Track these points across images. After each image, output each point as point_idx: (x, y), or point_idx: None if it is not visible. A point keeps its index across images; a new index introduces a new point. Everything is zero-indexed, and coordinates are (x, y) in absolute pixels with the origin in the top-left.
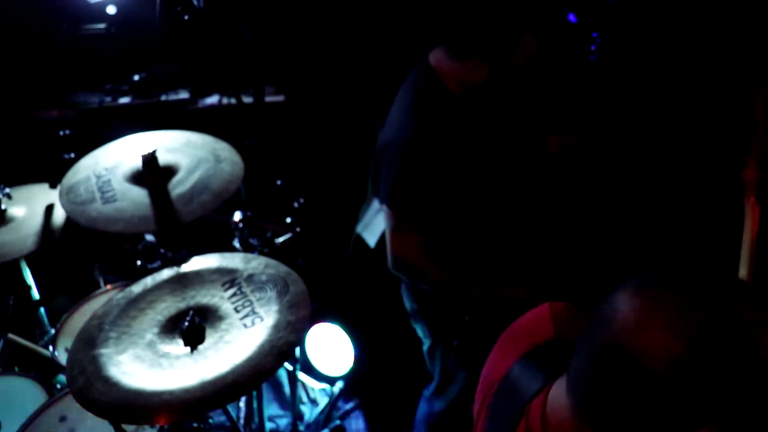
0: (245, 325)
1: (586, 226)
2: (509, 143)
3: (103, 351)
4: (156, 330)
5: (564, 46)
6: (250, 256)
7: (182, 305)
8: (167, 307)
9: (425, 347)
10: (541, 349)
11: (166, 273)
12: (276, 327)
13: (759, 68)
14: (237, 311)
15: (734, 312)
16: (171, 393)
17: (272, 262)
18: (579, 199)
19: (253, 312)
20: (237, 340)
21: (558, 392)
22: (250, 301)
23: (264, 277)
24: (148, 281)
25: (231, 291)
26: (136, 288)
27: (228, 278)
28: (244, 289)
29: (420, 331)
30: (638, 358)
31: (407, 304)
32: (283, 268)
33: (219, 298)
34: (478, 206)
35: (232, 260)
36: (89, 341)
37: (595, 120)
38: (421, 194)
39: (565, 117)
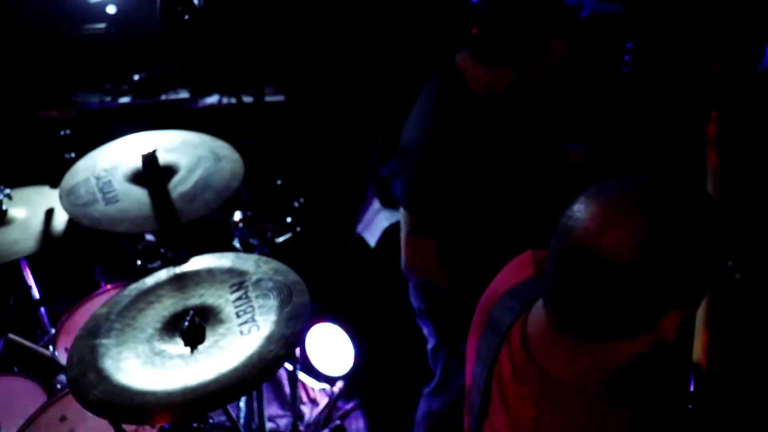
0: (241, 332)
1: None
2: (528, 151)
3: (104, 341)
4: (158, 326)
5: (592, 53)
6: (264, 259)
7: (188, 303)
8: (174, 303)
9: (429, 346)
10: (520, 285)
11: (180, 268)
12: (269, 338)
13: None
14: (238, 316)
15: (685, 203)
16: (154, 394)
17: (282, 267)
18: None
19: (252, 319)
20: (230, 347)
21: (536, 311)
22: (252, 307)
23: (270, 284)
24: (162, 274)
25: (237, 294)
26: (150, 280)
27: (237, 280)
28: (249, 294)
29: (425, 330)
30: (605, 257)
31: (414, 303)
32: (292, 276)
33: (224, 300)
34: (495, 212)
35: (245, 262)
36: (94, 329)
37: (620, 133)
38: (440, 199)
39: (587, 128)
